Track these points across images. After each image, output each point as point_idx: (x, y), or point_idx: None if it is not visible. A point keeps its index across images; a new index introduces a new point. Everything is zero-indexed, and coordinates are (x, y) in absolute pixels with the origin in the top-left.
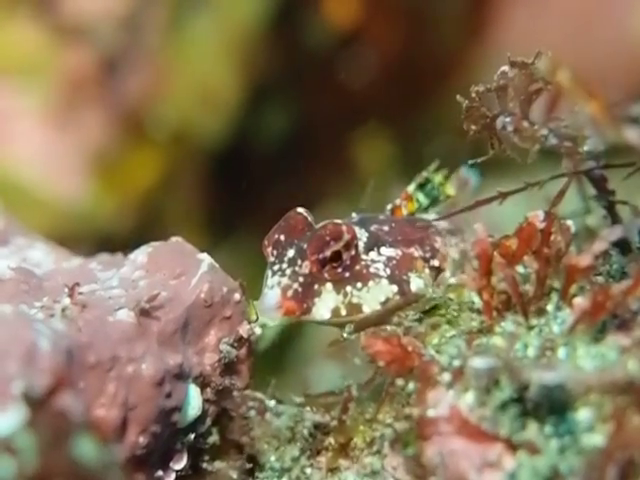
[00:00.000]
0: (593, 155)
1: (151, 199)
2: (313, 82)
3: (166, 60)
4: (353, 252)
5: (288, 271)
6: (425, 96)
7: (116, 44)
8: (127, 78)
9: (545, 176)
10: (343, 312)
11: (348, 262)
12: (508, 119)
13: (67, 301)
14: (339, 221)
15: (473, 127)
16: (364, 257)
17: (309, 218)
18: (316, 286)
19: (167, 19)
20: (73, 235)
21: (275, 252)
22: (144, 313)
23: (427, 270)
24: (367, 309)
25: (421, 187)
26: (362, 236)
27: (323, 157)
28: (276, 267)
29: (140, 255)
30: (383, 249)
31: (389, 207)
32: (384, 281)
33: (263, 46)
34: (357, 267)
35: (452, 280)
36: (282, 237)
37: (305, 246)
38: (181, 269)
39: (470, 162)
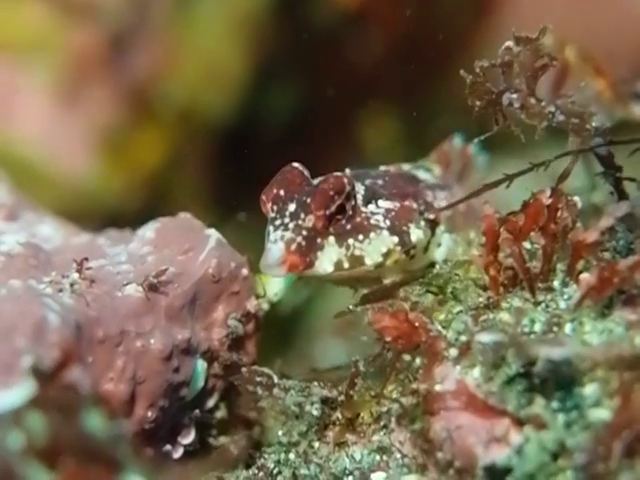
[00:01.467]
0: (600, 132)
1: (158, 177)
2: (319, 61)
3: (174, 38)
4: (353, 202)
5: (291, 225)
6: (431, 74)
7: (124, 22)
8: (134, 56)
9: (553, 152)
10: (346, 265)
11: (350, 212)
12: (514, 95)
13: (76, 276)
14: (339, 173)
15: (477, 103)
16: (363, 209)
17: (305, 172)
18: (319, 240)
19: None
20: (81, 213)
21: (275, 207)
22: (152, 288)
23: (423, 222)
24: (369, 261)
25: (417, 168)
26: (359, 189)
27: (329, 135)
28: (278, 222)
29: (148, 231)
30: (380, 202)
31: (382, 168)
32: (385, 232)
33: (270, 25)
34: (358, 219)
35: (446, 236)
36: (282, 192)
37: (308, 200)
38: (189, 244)
39: (476, 140)
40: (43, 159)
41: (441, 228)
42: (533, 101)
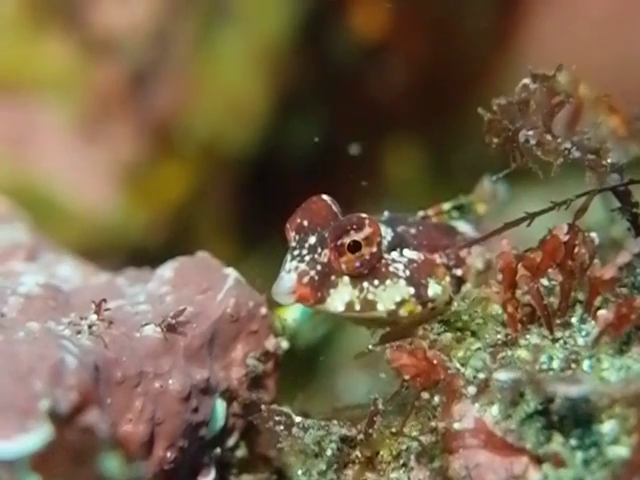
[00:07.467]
0: (616, 168)
1: (181, 212)
2: (341, 93)
3: (195, 73)
4: (375, 249)
5: (307, 258)
6: (453, 105)
7: (145, 58)
8: (156, 92)
9: (573, 183)
10: (357, 307)
11: (367, 258)
12: (531, 132)
13: (94, 317)
14: (364, 215)
15: (495, 140)
16: (385, 256)
17: (333, 206)
18: (333, 277)
19: (195, 32)
20: (104, 249)
21: (297, 237)
22: (170, 328)
23: (448, 278)
24: (381, 307)
25: (457, 208)
26: (387, 234)
27: (352, 167)
28: (296, 252)
29: (167, 270)
30: (406, 251)
31: (420, 214)
32: (402, 282)
33: (291, 58)
34: (377, 265)
35: (473, 290)
36: (305, 222)
37: (326, 235)
38: (207, 284)
39: (494, 177)
40: (65, 195)
41: (468, 285)
42: (549, 138)
